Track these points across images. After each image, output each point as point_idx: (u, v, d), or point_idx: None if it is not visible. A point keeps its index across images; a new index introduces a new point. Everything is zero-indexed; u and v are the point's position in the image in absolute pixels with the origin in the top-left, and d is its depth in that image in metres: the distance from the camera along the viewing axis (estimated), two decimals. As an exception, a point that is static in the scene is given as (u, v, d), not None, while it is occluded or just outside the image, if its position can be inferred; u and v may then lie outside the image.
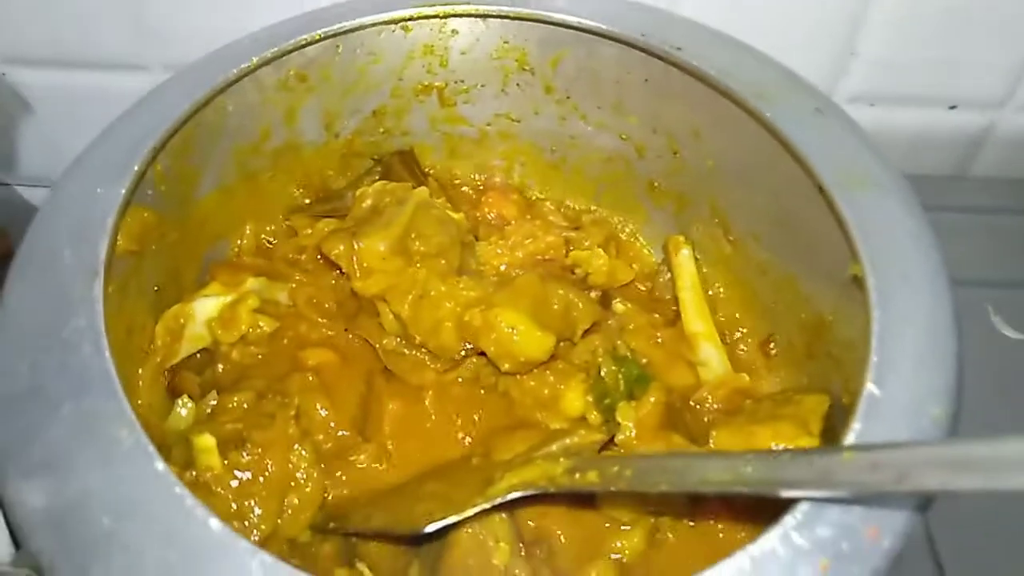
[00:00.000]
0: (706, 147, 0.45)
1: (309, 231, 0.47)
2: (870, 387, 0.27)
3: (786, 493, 0.24)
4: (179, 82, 0.40)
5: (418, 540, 0.36)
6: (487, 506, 0.34)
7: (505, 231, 0.48)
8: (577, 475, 0.32)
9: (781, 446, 0.37)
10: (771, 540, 0.24)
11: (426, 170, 0.52)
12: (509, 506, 0.35)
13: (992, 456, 0.20)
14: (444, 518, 0.34)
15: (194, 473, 0.36)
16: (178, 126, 0.38)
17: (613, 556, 0.37)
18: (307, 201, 0.50)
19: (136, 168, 0.35)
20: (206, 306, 0.43)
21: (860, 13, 0.61)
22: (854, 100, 0.68)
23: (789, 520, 0.24)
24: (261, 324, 0.43)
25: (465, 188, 0.54)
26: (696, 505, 0.37)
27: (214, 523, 0.25)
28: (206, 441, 0.37)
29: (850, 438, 0.26)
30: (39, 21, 0.59)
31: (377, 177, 0.49)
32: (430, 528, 0.34)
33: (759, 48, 0.43)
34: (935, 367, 0.28)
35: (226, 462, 0.37)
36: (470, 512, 0.34)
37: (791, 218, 0.40)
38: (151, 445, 0.27)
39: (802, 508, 0.25)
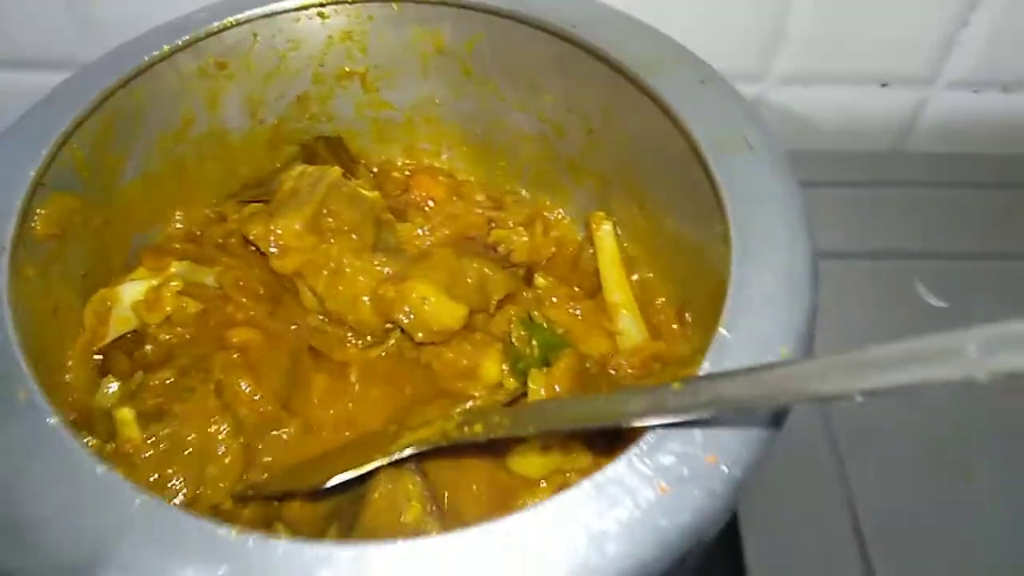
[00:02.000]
0: (615, 124, 0.46)
1: (236, 216, 0.49)
2: (721, 330, 0.29)
3: (631, 423, 0.26)
4: (92, 70, 0.41)
5: (324, 494, 0.37)
6: (385, 461, 0.36)
7: (427, 212, 0.50)
8: (466, 428, 0.33)
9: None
10: (616, 467, 0.25)
11: (358, 158, 0.54)
12: (417, 459, 0.37)
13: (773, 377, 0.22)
14: (344, 472, 0.36)
15: (114, 445, 0.38)
16: (88, 114, 0.39)
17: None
18: (236, 187, 0.51)
19: (45, 152, 0.37)
20: (132, 290, 0.44)
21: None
22: (787, 80, 0.70)
23: (634, 450, 0.26)
24: (185, 306, 0.44)
25: (395, 173, 0.55)
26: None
27: (100, 469, 0.26)
28: (125, 414, 0.38)
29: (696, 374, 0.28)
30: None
31: (301, 162, 0.51)
32: (331, 482, 0.36)
33: (684, 31, 0.45)
34: (785, 312, 0.29)
35: (146, 434, 0.38)
36: (368, 467, 0.36)
37: (689, 188, 0.42)
38: (47, 403, 0.28)
39: (647, 439, 0.26)
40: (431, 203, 0.53)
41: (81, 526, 0.25)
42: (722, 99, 0.38)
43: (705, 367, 0.28)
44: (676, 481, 0.25)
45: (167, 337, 0.45)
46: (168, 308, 0.44)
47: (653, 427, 0.26)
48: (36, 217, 0.38)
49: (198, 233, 0.49)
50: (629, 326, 0.48)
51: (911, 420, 0.55)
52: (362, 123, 0.53)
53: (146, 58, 0.41)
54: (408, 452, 0.35)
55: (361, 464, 0.36)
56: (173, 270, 0.46)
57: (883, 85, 0.72)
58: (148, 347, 0.45)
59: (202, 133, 0.48)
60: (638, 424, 0.26)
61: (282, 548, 0.25)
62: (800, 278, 0.30)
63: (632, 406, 0.27)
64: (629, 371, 0.47)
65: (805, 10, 0.65)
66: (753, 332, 0.29)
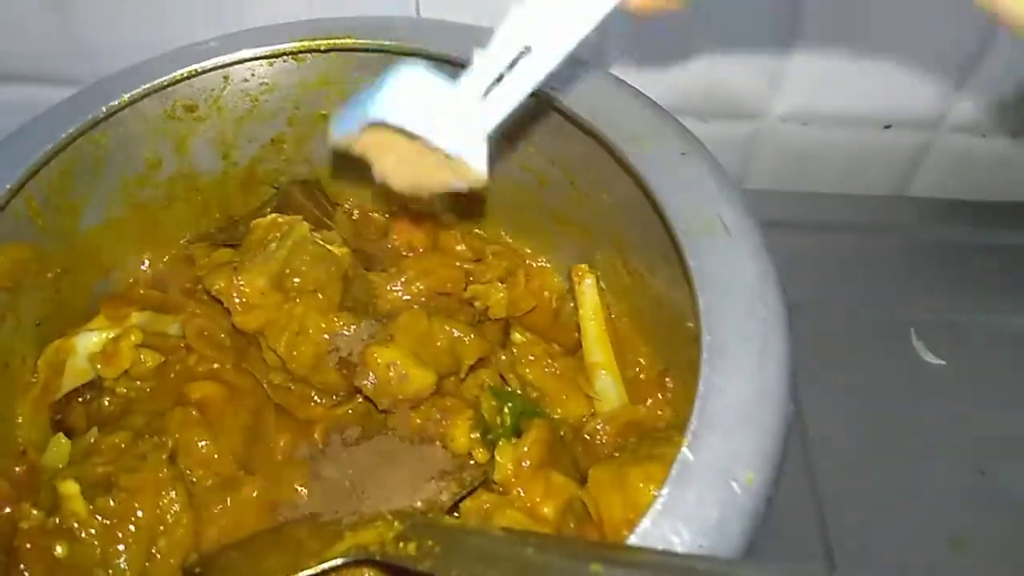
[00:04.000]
0: (598, 184, 0.45)
1: (205, 261, 0.47)
2: (684, 451, 0.27)
3: None
4: (51, 116, 0.40)
5: None
6: (317, 570, 0.34)
7: (402, 265, 0.48)
8: (401, 544, 0.31)
9: (650, 489, 0.37)
10: None
11: (337, 201, 0.52)
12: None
13: None
14: None
15: (57, 520, 0.36)
16: (42, 164, 0.38)
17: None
18: (208, 229, 0.50)
19: (-5, 207, 0.35)
20: (88, 341, 0.43)
21: (792, 32, 0.61)
22: (787, 119, 0.68)
23: None
24: (144, 359, 0.43)
25: (375, 215, 0.54)
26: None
27: None
28: (70, 487, 0.37)
29: (656, 506, 0.26)
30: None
31: (276, 206, 0.49)
32: None
33: (685, 71, 0.42)
34: (754, 431, 0.27)
35: (91, 508, 0.37)
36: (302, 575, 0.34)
37: (669, 260, 0.40)
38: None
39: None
40: (411, 251, 0.51)
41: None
42: (701, 175, 0.36)
43: (664, 494, 0.26)
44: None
45: (124, 391, 0.43)
46: (126, 362, 0.43)
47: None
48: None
49: (163, 279, 0.48)
50: (608, 388, 0.47)
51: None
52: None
53: (104, 108, 0.39)
54: (338, 562, 0.33)
55: (296, 570, 0.34)
56: (133, 321, 0.44)
57: (886, 127, 0.70)
58: (105, 400, 0.43)
59: (170, 176, 0.47)
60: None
61: None
62: (773, 390, 0.28)
63: None
64: (604, 439, 0.45)
65: (809, 49, 0.63)
66: (718, 454, 0.27)
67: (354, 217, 0.53)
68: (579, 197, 0.47)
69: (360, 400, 0.44)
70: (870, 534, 0.52)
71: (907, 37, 0.62)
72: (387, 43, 0.44)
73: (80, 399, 0.43)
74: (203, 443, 0.41)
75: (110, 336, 0.43)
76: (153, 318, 0.44)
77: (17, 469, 0.40)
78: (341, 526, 0.36)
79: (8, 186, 0.36)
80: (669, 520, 0.25)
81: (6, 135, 0.39)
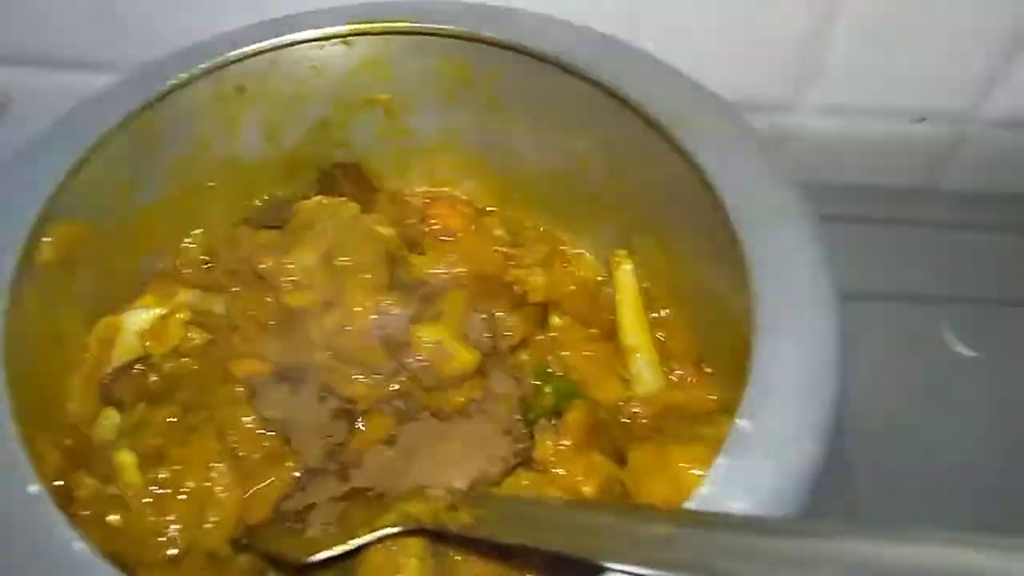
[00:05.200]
0: (641, 168, 0.45)
1: (249, 243, 0.48)
2: (740, 422, 0.27)
3: (604, 563, 0.24)
4: (109, 94, 0.40)
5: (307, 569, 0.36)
6: (369, 539, 0.34)
7: (445, 247, 0.49)
8: (454, 513, 0.32)
9: (693, 469, 0.38)
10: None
11: (375, 183, 0.53)
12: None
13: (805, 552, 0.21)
14: (329, 548, 0.35)
15: (112, 489, 0.37)
16: (102, 141, 0.38)
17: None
18: (251, 212, 0.50)
19: (56, 183, 0.36)
20: (137, 318, 0.43)
21: (827, 22, 0.61)
22: (820, 111, 0.68)
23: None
24: (192, 336, 0.43)
25: (413, 200, 0.54)
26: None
27: (77, 545, 0.25)
28: (126, 458, 0.38)
29: (713, 474, 0.26)
30: (9, 18, 0.60)
31: (321, 189, 0.50)
32: (314, 558, 0.35)
33: (718, 60, 0.43)
34: (810, 404, 0.28)
35: (145, 479, 0.38)
36: (353, 544, 0.34)
37: (716, 245, 0.40)
38: (28, 465, 0.27)
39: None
40: (449, 235, 0.51)
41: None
42: (755, 159, 0.36)
43: (722, 463, 0.27)
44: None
45: (172, 367, 0.44)
46: (174, 339, 0.43)
47: None
48: (43, 245, 0.38)
49: (209, 259, 0.48)
50: (645, 372, 0.47)
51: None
52: (382, 149, 0.52)
53: (164, 85, 0.40)
54: (391, 531, 0.34)
55: (344, 540, 0.34)
56: (181, 299, 0.45)
57: (920, 120, 0.70)
58: (153, 376, 0.44)
59: (218, 157, 0.47)
60: (612, 567, 0.24)
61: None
62: (828, 366, 0.29)
63: (611, 544, 0.24)
64: (643, 421, 0.46)
65: (844, 39, 0.63)
66: (775, 425, 0.27)
67: (393, 200, 0.53)
68: (618, 183, 0.48)
69: (402, 379, 0.45)
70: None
71: (944, 28, 0.62)
72: (441, 27, 0.44)
73: (128, 375, 0.44)
74: (248, 420, 0.42)
75: (159, 313, 0.44)
76: (200, 296, 0.45)
77: (68, 442, 0.41)
78: (387, 499, 0.37)
79: (72, 162, 0.37)
80: (728, 487, 0.26)
81: (65, 113, 0.40)
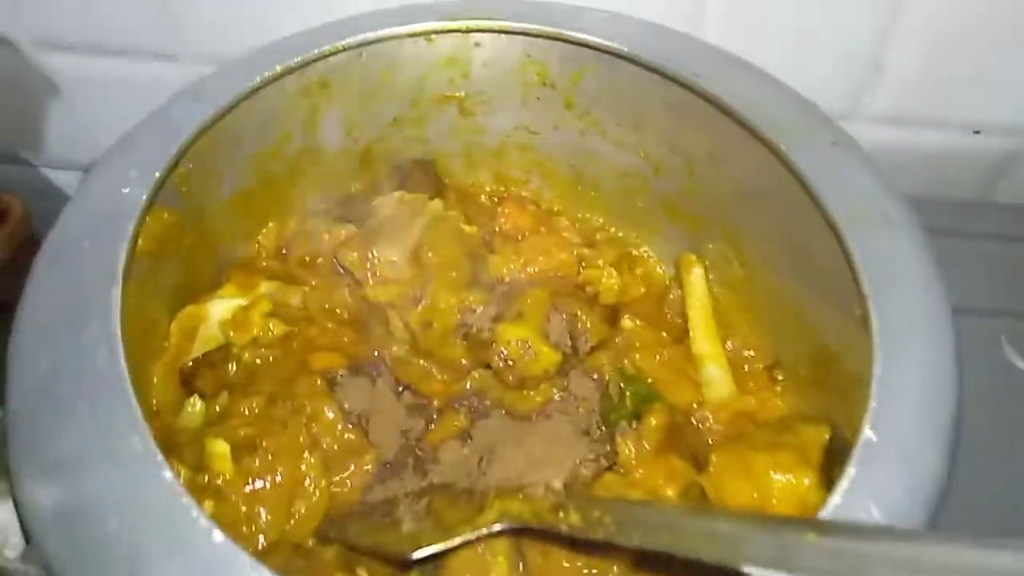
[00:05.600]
0: (721, 171, 0.45)
1: (327, 236, 0.48)
2: (867, 432, 0.27)
3: (746, 568, 0.24)
4: (204, 87, 0.41)
5: (408, 564, 0.36)
6: (471, 536, 0.34)
7: (519, 247, 0.49)
8: (560, 514, 0.32)
9: (779, 476, 0.38)
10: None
11: (445, 180, 0.53)
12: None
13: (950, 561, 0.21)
14: (431, 545, 0.35)
15: (206, 477, 0.37)
16: (201, 132, 0.38)
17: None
18: (326, 205, 0.50)
19: (159, 173, 0.36)
20: (220, 308, 0.44)
21: (886, 32, 0.61)
22: (877, 121, 0.68)
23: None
24: (272, 328, 0.43)
25: (482, 198, 0.54)
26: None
27: (217, 535, 0.26)
28: (220, 447, 0.38)
29: (844, 484, 0.26)
30: (70, 6, 0.60)
31: (396, 184, 0.50)
32: (416, 555, 0.35)
33: (779, 67, 0.43)
34: (934, 414, 0.28)
35: (238, 468, 0.38)
36: (456, 541, 0.34)
37: (802, 248, 0.40)
38: (160, 453, 0.27)
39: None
40: (519, 234, 0.51)
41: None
42: (856, 165, 0.36)
43: (851, 473, 0.27)
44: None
45: (251, 358, 0.44)
46: (256, 329, 0.44)
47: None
48: (140, 235, 0.38)
49: (284, 251, 0.49)
50: (716, 378, 0.47)
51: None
52: (454, 147, 0.52)
53: (258, 78, 0.40)
54: (498, 528, 0.34)
55: (448, 537, 0.34)
56: (262, 290, 0.45)
57: (975, 132, 0.69)
58: (232, 365, 0.44)
59: (297, 151, 0.47)
60: (755, 571, 0.24)
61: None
62: (946, 374, 0.29)
63: (754, 550, 0.25)
64: (717, 427, 0.46)
65: (902, 48, 0.63)
66: (900, 435, 0.27)
67: (461, 197, 0.54)
68: (694, 187, 0.48)
69: (478, 377, 0.45)
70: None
71: (1006, 43, 0.62)
72: (523, 26, 0.44)
73: (209, 364, 0.44)
74: (330, 412, 0.42)
75: (241, 304, 0.44)
76: (280, 288, 0.45)
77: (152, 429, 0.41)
78: (479, 496, 0.37)
79: (171, 155, 0.37)
80: (858, 497, 0.26)
81: (162, 105, 0.40)
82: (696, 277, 0.49)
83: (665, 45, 0.43)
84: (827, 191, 0.35)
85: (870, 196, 0.34)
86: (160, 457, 0.27)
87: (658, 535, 0.28)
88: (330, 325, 0.46)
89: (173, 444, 0.40)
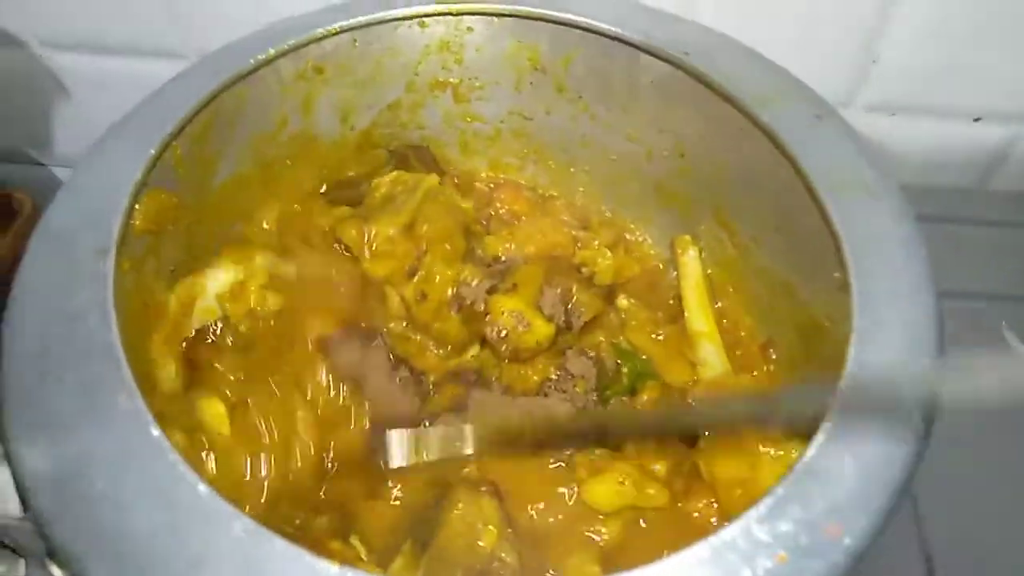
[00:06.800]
0: (711, 150, 0.45)
1: (326, 218, 0.48)
2: (842, 387, 0.27)
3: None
4: (197, 71, 0.41)
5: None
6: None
7: (514, 227, 0.49)
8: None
9: (768, 448, 0.38)
10: (732, 531, 0.24)
11: (441, 166, 0.53)
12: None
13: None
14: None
15: (204, 438, 0.38)
16: (193, 114, 0.39)
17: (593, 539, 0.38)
18: (323, 189, 0.51)
19: (152, 152, 0.37)
20: (217, 281, 0.44)
21: (882, 19, 0.61)
22: (874, 109, 0.68)
23: (751, 513, 0.25)
24: (268, 300, 0.44)
25: (478, 184, 0.55)
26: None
27: (202, 488, 0.26)
28: (215, 407, 0.38)
29: (820, 438, 0.27)
30: (76, 6, 0.61)
31: (392, 168, 0.50)
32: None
33: (774, 53, 0.44)
34: (909, 372, 0.28)
35: (232, 428, 0.38)
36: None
37: (790, 224, 0.41)
38: (148, 412, 0.28)
39: (765, 503, 0.25)
40: (514, 219, 0.52)
41: (180, 546, 0.25)
42: (839, 138, 0.36)
43: (826, 426, 0.27)
44: (794, 552, 0.24)
45: (248, 329, 0.45)
46: (252, 302, 0.44)
47: (771, 490, 0.25)
48: (135, 214, 0.38)
49: (279, 231, 0.49)
50: (711, 357, 0.47)
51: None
52: (449, 133, 0.53)
53: (252, 61, 0.41)
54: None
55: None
56: (259, 262, 0.45)
57: (975, 120, 0.69)
58: (229, 339, 0.45)
59: (293, 136, 0.48)
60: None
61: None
62: (927, 339, 0.29)
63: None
64: (711, 404, 0.46)
65: (898, 36, 0.63)
66: (877, 393, 0.27)
67: (456, 182, 0.54)
68: (685, 168, 0.48)
69: (472, 355, 0.46)
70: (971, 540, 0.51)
71: (1004, 28, 0.62)
72: (514, 8, 0.45)
73: (205, 336, 0.44)
74: (324, 374, 0.42)
75: (238, 277, 0.44)
76: (275, 260, 0.45)
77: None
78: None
79: (165, 134, 0.38)
80: (836, 448, 0.26)
81: (156, 89, 0.41)
82: (690, 258, 0.50)
83: (651, 23, 0.43)
84: (809, 162, 0.35)
85: (851, 167, 0.35)
86: (148, 415, 0.28)
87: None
88: (327, 298, 0.46)
89: (171, 412, 0.41)
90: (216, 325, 0.44)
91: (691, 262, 0.49)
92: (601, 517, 0.40)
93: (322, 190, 0.50)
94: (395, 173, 0.45)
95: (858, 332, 0.29)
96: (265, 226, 0.48)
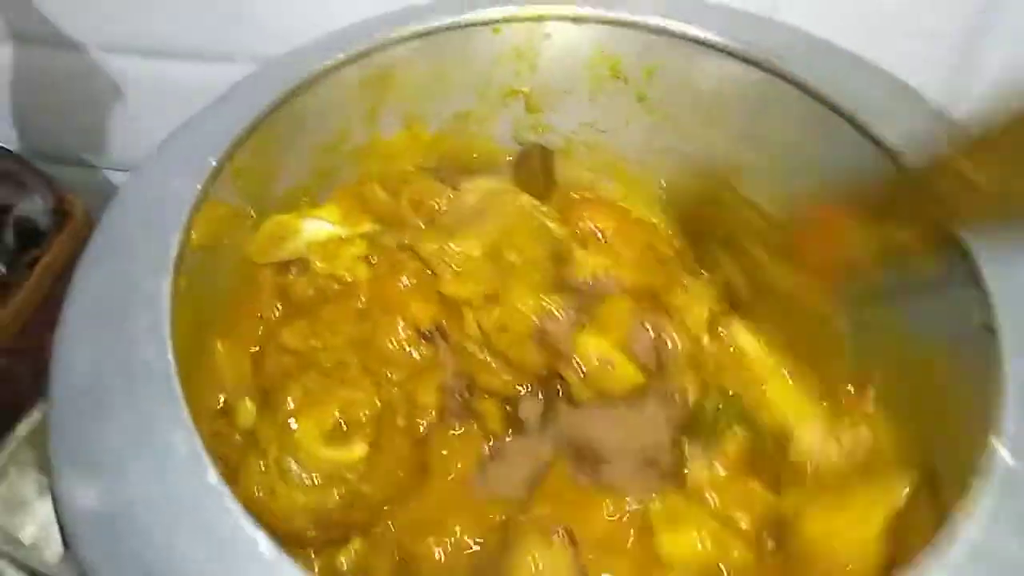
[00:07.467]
0: (807, 163, 0.42)
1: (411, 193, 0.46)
2: (1002, 453, 0.24)
3: None
4: (260, 79, 0.39)
5: None
6: None
7: (602, 247, 0.46)
8: None
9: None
10: None
11: (555, 177, 0.50)
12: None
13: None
14: None
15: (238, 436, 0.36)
16: (257, 123, 0.37)
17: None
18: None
19: (213, 163, 0.35)
20: (315, 230, 0.42)
21: (983, 25, 0.57)
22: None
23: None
24: (357, 272, 0.41)
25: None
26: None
27: (263, 542, 0.23)
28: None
29: (972, 508, 0.23)
30: (132, 9, 0.60)
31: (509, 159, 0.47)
32: None
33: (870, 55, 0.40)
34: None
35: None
36: None
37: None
38: (206, 455, 0.25)
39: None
40: (601, 238, 0.48)
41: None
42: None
43: (986, 504, 0.23)
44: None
45: (324, 285, 0.42)
46: (342, 268, 0.41)
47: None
48: (193, 228, 0.36)
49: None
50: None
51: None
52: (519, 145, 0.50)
53: (317, 69, 0.39)
54: None
55: None
56: (365, 229, 0.42)
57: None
58: (303, 287, 0.42)
59: (356, 146, 0.45)
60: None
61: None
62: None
63: None
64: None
65: (1000, 42, 0.58)
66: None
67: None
68: (779, 184, 0.44)
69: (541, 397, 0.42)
70: None
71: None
72: (594, 13, 0.42)
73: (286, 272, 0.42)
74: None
75: (340, 235, 0.42)
76: (381, 232, 0.43)
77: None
78: None
79: (228, 143, 0.35)
80: (997, 527, 0.22)
81: (218, 97, 0.39)
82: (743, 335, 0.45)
83: (744, 29, 0.40)
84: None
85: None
86: (206, 458, 0.25)
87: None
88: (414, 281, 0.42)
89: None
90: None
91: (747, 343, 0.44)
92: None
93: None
94: (487, 182, 0.42)
95: (1013, 389, 0.25)
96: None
